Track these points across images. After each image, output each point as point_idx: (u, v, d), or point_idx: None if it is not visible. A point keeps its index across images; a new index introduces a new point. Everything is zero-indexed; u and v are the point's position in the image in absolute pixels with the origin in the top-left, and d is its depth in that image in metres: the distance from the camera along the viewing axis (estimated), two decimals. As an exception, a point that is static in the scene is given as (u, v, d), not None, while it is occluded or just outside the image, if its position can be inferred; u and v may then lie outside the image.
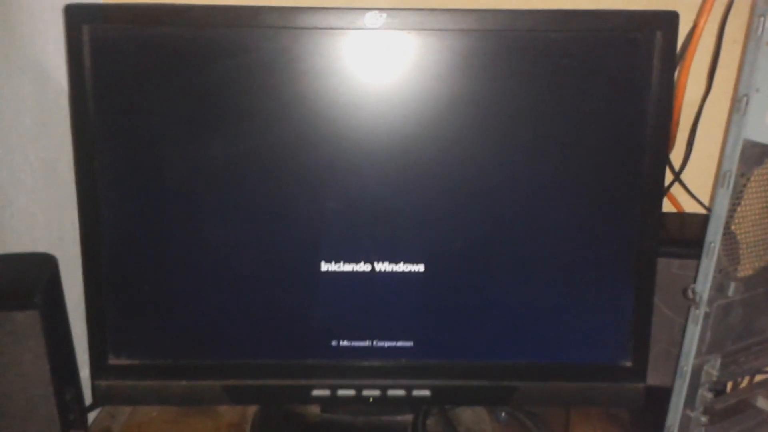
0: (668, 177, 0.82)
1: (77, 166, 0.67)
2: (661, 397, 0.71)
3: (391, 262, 0.70)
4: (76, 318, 0.72)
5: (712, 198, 0.68)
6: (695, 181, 0.85)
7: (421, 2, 0.78)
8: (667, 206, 0.86)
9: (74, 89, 0.65)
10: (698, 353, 0.66)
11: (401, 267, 0.70)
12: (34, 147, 0.74)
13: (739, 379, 0.79)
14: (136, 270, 0.70)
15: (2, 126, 0.69)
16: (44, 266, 0.68)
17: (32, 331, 0.63)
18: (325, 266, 0.70)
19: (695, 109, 0.83)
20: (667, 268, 0.72)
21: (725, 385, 0.77)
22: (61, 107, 0.75)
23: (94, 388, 0.72)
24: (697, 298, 0.64)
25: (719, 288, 0.65)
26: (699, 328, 0.65)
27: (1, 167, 0.69)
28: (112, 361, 0.71)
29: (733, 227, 0.66)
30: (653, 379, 0.74)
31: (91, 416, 0.81)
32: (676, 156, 0.84)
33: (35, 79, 0.73)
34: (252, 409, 0.85)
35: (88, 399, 0.75)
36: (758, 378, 0.79)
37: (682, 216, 0.84)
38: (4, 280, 0.66)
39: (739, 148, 0.59)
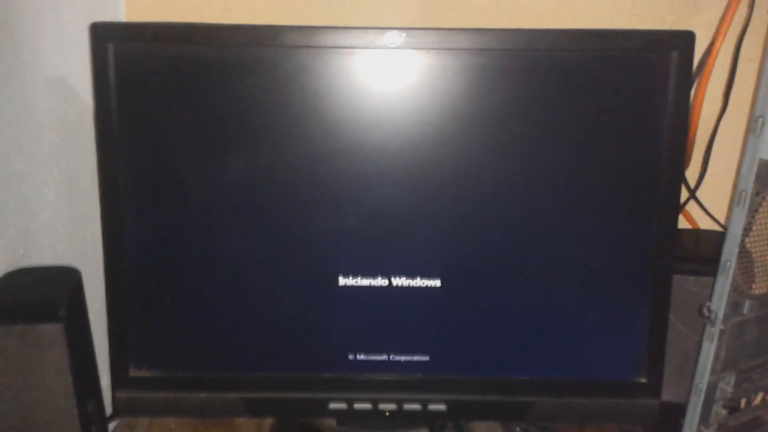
0: (684, 195, 0.83)
1: (101, 181, 0.69)
2: (674, 413, 0.72)
3: (407, 277, 0.71)
4: (97, 330, 0.72)
5: (728, 216, 0.69)
6: (711, 198, 0.85)
7: (437, 21, 0.79)
8: (683, 223, 0.87)
9: (99, 105, 0.67)
10: (713, 370, 0.67)
11: (418, 282, 0.71)
12: (57, 162, 0.75)
13: (753, 396, 0.79)
14: (157, 283, 0.71)
15: (26, 141, 0.70)
16: (68, 279, 0.69)
17: (56, 344, 0.64)
18: (342, 281, 0.71)
19: (711, 128, 0.84)
20: (683, 285, 0.73)
21: (739, 402, 0.77)
22: (83, 123, 0.76)
23: (114, 400, 0.73)
24: (713, 316, 0.65)
25: (734, 306, 0.66)
26: (714, 345, 0.65)
27: (25, 181, 0.71)
28: (133, 372, 0.72)
29: (748, 245, 0.66)
30: (667, 395, 0.75)
31: (111, 428, 0.82)
32: (691, 174, 0.85)
33: (58, 94, 0.74)
34: (269, 422, 0.86)
35: (108, 410, 0.76)
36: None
37: (697, 233, 0.85)
38: (28, 292, 0.67)
39: (754, 168, 0.60)
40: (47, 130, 0.74)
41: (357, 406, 0.74)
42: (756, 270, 0.68)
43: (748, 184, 0.60)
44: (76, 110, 0.77)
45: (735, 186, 0.62)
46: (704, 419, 0.69)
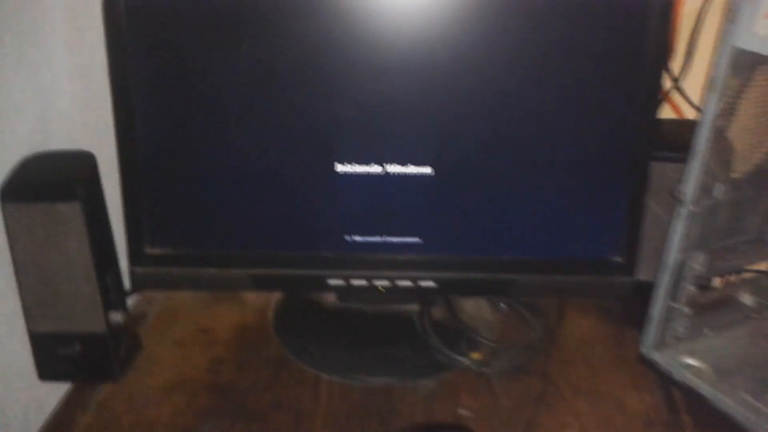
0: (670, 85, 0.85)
1: (111, 71, 0.72)
2: (650, 291, 0.77)
3: (400, 164, 0.74)
4: (114, 213, 0.78)
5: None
6: (695, 88, 0.87)
7: None
8: (669, 113, 0.89)
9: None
10: (683, 249, 0.71)
11: (410, 169, 0.74)
12: (71, 53, 0.78)
13: (727, 276, 0.84)
14: (168, 167, 0.76)
15: (40, 32, 0.73)
16: (84, 162, 0.73)
17: (75, 220, 0.69)
18: (339, 167, 0.74)
19: (696, 19, 0.84)
20: (662, 171, 0.76)
21: (710, 281, 0.82)
22: (94, 16, 0.79)
23: (131, 274, 0.80)
24: (682, 197, 0.69)
25: (705, 189, 0.69)
26: (683, 225, 0.69)
27: (41, 70, 0.74)
28: (148, 250, 0.78)
29: (729, 133, 0.69)
30: (646, 275, 0.79)
31: (130, 302, 0.89)
32: (677, 64, 0.86)
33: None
34: (275, 297, 0.93)
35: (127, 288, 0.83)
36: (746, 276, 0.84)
37: (681, 122, 0.87)
38: (48, 174, 0.71)
39: (727, 56, 0.62)
40: (59, 21, 0.77)
41: (354, 282, 0.79)
42: (734, 156, 0.71)
43: (720, 71, 0.63)
44: (86, 2, 0.80)
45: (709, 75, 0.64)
46: (673, 295, 0.74)
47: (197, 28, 0.70)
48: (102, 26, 0.71)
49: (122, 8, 0.69)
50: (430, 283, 0.79)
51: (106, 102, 0.75)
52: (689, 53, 0.85)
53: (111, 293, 0.75)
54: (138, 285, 0.81)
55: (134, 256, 0.79)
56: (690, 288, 0.74)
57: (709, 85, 0.64)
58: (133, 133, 0.74)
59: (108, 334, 0.74)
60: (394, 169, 0.75)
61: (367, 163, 0.75)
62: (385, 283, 0.79)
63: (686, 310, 0.75)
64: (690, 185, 0.68)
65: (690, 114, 0.88)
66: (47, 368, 0.76)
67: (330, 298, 0.89)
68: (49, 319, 0.73)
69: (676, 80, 0.86)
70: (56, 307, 0.73)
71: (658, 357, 0.77)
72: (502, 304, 0.89)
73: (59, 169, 0.73)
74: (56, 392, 0.77)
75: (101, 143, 0.80)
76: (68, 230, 0.70)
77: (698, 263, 0.73)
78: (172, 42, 0.71)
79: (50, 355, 0.75)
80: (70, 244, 0.70)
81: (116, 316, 0.75)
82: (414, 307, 0.86)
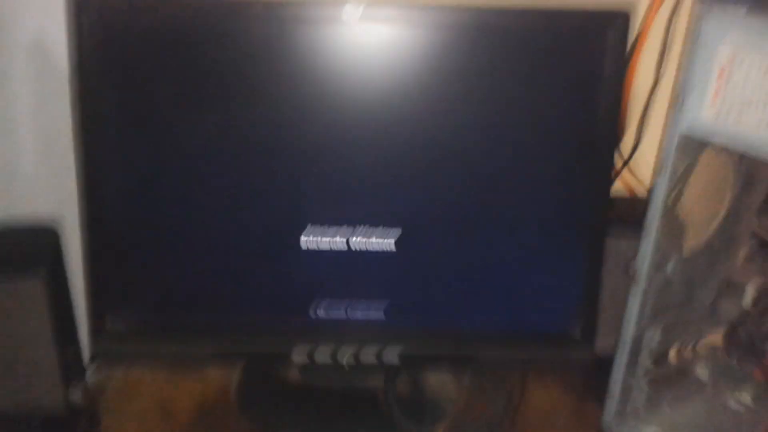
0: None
1: (76, 136, 0.72)
2: (609, 364, 0.78)
3: (365, 237, 0.76)
4: (76, 284, 0.77)
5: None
6: (646, 167, 0.91)
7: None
8: (621, 191, 0.92)
9: (75, 68, 0.70)
10: (638, 324, 0.73)
11: (374, 242, 0.76)
12: (34, 119, 0.79)
13: (682, 348, 0.86)
14: (131, 237, 0.75)
15: (5, 97, 0.74)
16: (47, 238, 0.74)
17: (36, 298, 0.69)
18: (304, 239, 0.75)
19: (645, 101, 0.88)
20: (617, 247, 0.79)
21: (666, 354, 0.84)
22: (58, 82, 0.80)
23: (92, 348, 0.78)
24: (636, 275, 0.71)
25: (658, 266, 0.71)
26: (638, 302, 0.71)
27: (7, 138, 0.75)
28: (109, 324, 0.77)
29: (679, 210, 0.72)
30: (605, 347, 0.80)
31: (89, 374, 0.87)
32: (626, 144, 0.90)
33: (35, 57, 0.78)
34: (238, 371, 0.91)
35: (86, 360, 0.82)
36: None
37: (633, 200, 0.91)
38: (9, 250, 0.72)
39: (675, 141, 0.65)
40: (25, 89, 0.78)
41: (317, 358, 0.79)
42: (685, 233, 0.74)
43: (669, 155, 0.66)
44: (52, 71, 0.80)
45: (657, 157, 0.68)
46: (631, 369, 0.76)
47: (162, 94, 0.71)
48: (65, 92, 0.71)
49: (91, 77, 0.70)
50: (393, 358, 0.79)
51: (69, 168, 0.75)
52: (639, 133, 0.89)
53: (71, 369, 0.74)
54: (98, 359, 0.81)
55: (95, 331, 0.78)
56: (647, 362, 0.76)
57: (659, 168, 0.67)
58: (95, 201, 0.74)
59: (68, 413, 0.73)
60: (358, 240, 0.76)
61: (329, 234, 0.75)
62: (349, 357, 0.79)
63: (644, 383, 0.76)
64: (643, 263, 0.70)
65: (642, 191, 0.92)
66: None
67: (293, 373, 0.89)
68: (8, 397, 0.72)
69: (626, 161, 0.89)
70: (15, 385, 0.72)
71: (618, 429, 0.78)
72: (464, 377, 0.90)
73: (21, 245, 0.73)
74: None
75: (63, 209, 0.80)
76: (29, 307, 0.70)
77: (654, 338, 0.75)
78: (137, 110, 0.72)
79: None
80: (31, 322, 0.70)
81: (76, 393, 0.74)
82: (379, 383, 0.86)
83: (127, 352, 0.80)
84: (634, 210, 0.79)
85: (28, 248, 0.72)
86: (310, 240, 0.76)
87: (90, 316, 0.77)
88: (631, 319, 0.72)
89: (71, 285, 0.76)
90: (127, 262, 0.76)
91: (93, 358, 0.80)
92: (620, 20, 0.70)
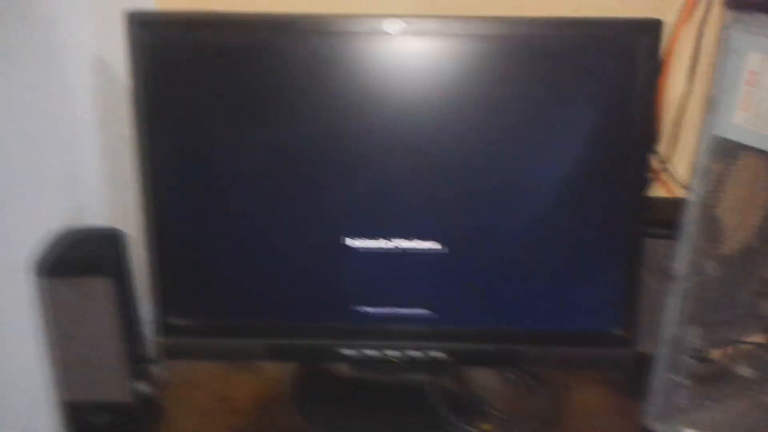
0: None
1: (138, 151, 0.77)
2: (650, 363, 0.79)
3: (408, 239, 0.79)
4: (140, 284, 0.83)
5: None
6: (684, 166, 0.91)
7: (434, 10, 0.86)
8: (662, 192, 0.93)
9: (135, 85, 0.75)
10: (678, 324, 0.74)
11: (418, 244, 0.79)
12: (100, 133, 0.84)
13: (725, 348, 0.86)
14: (189, 242, 0.80)
15: (71, 115, 0.79)
16: (114, 239, 0.79)
17: (105, 295, 0.74)
18: (351, 242, 0.79)
19: (679, 105, 0.90)
20: (655, 247, 0.80)
21: (708, 353, 0.84)
22: (120, 99, 0.85)
23: (156, 345, 0.84)
24: (675, 275, 0.72)
25: (697, 266, 0.73)
26: (677, 301, 0.73)
27: (73, 151, 0.80)
28: (171, 321, 0.82)
29: (718, 212, 0.73)
30: (645, 346, 0.81)
31: (153, 371, 0.92)
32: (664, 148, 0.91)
33: (98, 73, 0.83)
34: (291, 365, 0.96)
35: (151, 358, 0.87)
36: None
37: (672, 201, 0.91)
38: (80, 250, 0.77)
39: (709, 144, 0.67)
40: (91, 105, 0.83)
41: (366, 352, 0.83)
42: (725, 234, 0.75)
43: (703, 157, 0.67)
44: (113, 87, 0.86)
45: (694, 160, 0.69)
46: (672, 368, 0.77)
47: (216, 112, 0.76)
48: (127, 108, 0.76)
49: (148, 95, 0.75)
50: (440, 355, 0.83)
51: (132, 179, 0.80)
52: (675, 137, 0.90)
53: (137, 363, 0.80)
54: (162, 355, 0.86)
55: (159, 327, 0.83)
56: (688, 361, 0.77)
57: (694, 170, 0.68)
58: (157, 210, 0.79)
59: (134, 404, 0.78)
60: (403, 244, 0.79)
61: (376, 238, 0.79)
62: (396, 353, 0.83)
63: (686, 382, 0.78)
64: (682, 263, 0.71)
65: (680, 192, 0.92)
66: (76, 437, 0.80)
67: (344, 368, 0.93)
68: (79, 388, 0.77)
69: (663, 162, 0.90)
70: (85, 378, 0.77)
71: (661, 428, 0.79)
72: (510, 375, 0.92)
73: (91, 246, 0.78)
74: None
75: (126, 218, 0.86)
76: (98, 304, 0.75)
77: (695, 337, 0.76)
78: (193, 124, 0.77)
79: (79, 424, 0.79)
80: (100, 317, 0.75)
81: (142, 386, 0.79)
82: (425, 377, 0.90)
83: (189, 348, 0.85)
84: (673, 212, 0.79)
85: (96, 250, 0.77)
86: (359, 244, 0.79)
87: (155, 315, 0.83)
88: (671, 319, 0.74)
89: (136, 285, 0.82)
90: (189, 266, 0.81)
91: (158, 354, 0.85)
92: (653, 28, 0.71)
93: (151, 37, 0.74)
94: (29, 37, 0.71)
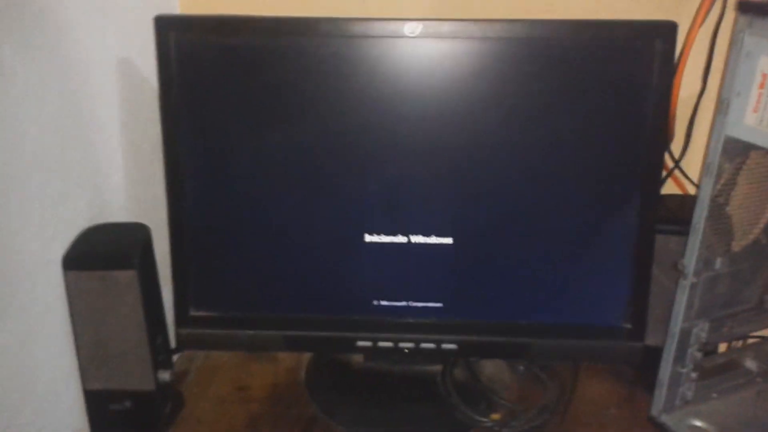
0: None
1: (165, 149, 0.80)
2: (658, 356, 0.81)
3: (423, 235, 0.81)
4: (163, 276, 0.85)
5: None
6: (696, 165, 0.94)
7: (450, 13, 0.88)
8: (674, 189, 0.95)
9: (162, 84, 0.77)
10: (687, 318, 0.76)
11: (432, 240, 0.81)
12: (124, 132, 0.87)
13: (733, 343, 0.89)
14: (212, 236, 0.83)
15: (97, 115, 0.81)
16: (139, 233, 0.81)
17: (130, 287, 0.76)
18: (368, 237, 0.81)
19: (693, 105, 0.92)
20: (666, 243, 0.82)
21: (716, 347, 0.87)
22: (144, 98, 0.87)
23: (177, 335, 0.86)
24: (684, 270, 0.74)
25: (706, 262, 0.75)
26: (685, 296, 0.75)
27: (98, 149, 0.82)
28: (193, 312, 0.85)
29: (728, 209, 0.75)
30: (655, 340, 0.84)
31: (174, 360, 0.95)
32: (677, 147, 0.94)
33: (123, 75, 0.86)
34: (306, 356, 0.98)
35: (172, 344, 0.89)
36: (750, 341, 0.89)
37: (684, 198, 0.93)
38: (106, 244, 0.79)
39: (720, 144, 0.69)
40: (114, 105, 0.85)
41: (380, 344, 0.85)
42: (734, 231, 0.77)
43: (715, 158, 0.69)
44: (137, 87, 0.88)
45: (704, 158, 0.71)
46: (680, 360, 0.79)
47: (240, 113, 0.78)
48: (150, 107, 0.78)
49: (175, 95, 0.78)
50: (451, 346, 0.85)
51: (153, 176, 0.82)
52: (688, 136, 0.93)
53: (160, 353, 0.82)
54: (183, 345, 0.88)
55: (180, 318, 0.86)
56: (696, 354, 0.79)
57: (705, 168, 0.71)
58: (181, 206, 0.82)
59: (157, 392, 0.81)
60: (417, 239, 0.81)
61: (393, 234, 0.81)
62: (409, 345, 0.85)
63: (693, 374, 0.80)
64: (691, 259, 0.74)
65: (692, 189, 0.95)
66: (99, 424, 0.82)
67: (357, 358, 0.95)
68: (103, 377, 0.80)
69: (677, 162, 0.92)
70: (110, 367, 0.79)
71: (667, 419, 0.81)
72: (519, 367, 0.94)
73: (116, 240, 0.80)
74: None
75: (150, 214, 0.88)
76: (123, 296, 0.77)
77: (702, 331, 0.78)
78: (218, 123, 0.79)
79: (102, 412, 0.81)
80: (125, 309, 0.77)
81: (164, 375, 0.81)
82: (437, 368, 0.92)
83: (208, 338, 0.87)
84: (685, 208, 0.82)
85: (122, 243, 0.79)
86: (377, 239, 0.81)
87: (176, 307, 0.85)
88: (679, 313, 0.76)
89: (160, 278, 0.84)
90: (211, 260, 0.84)
91: (179, 344, 0.87)
92: (668, 30, 0.73)
93: (179, 40, 0.76)
94: (56, 40, 0.73)
